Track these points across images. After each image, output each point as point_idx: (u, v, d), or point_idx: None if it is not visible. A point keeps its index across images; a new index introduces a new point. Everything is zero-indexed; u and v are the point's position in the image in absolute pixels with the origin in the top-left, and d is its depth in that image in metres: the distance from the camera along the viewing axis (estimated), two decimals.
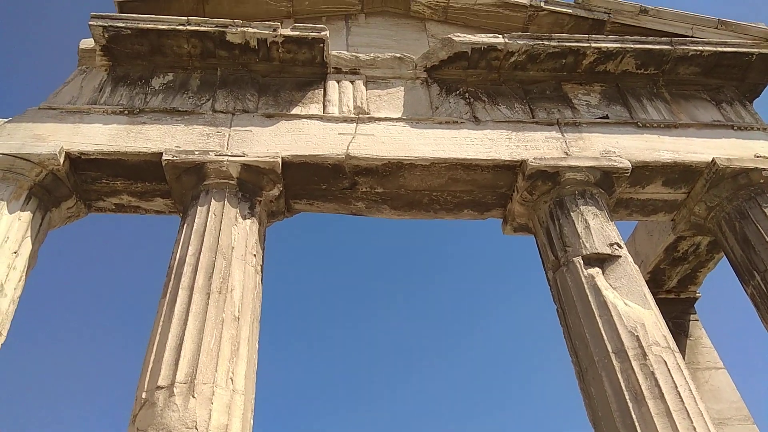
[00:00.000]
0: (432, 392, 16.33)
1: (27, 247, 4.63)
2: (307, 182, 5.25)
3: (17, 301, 4.52)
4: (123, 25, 5.46)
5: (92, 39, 5.60)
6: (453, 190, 5.42)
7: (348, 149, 5.11)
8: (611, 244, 4.68)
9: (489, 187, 5.42)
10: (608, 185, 5.20)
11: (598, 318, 4.23)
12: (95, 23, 5.42)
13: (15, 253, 4.48)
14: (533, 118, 5.69)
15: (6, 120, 5.07)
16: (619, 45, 5.95)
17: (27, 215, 4.66)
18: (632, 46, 5.96)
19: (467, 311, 17.54)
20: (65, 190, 4.98)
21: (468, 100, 5.78)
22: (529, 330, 17.48)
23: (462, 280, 17.72)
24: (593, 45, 5.92)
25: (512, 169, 5.22)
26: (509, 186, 5.37)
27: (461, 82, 5.94)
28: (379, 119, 5.43)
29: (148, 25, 5.48)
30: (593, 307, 4.30)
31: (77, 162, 4.92)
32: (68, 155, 4.84)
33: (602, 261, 4.61)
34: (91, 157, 4.90)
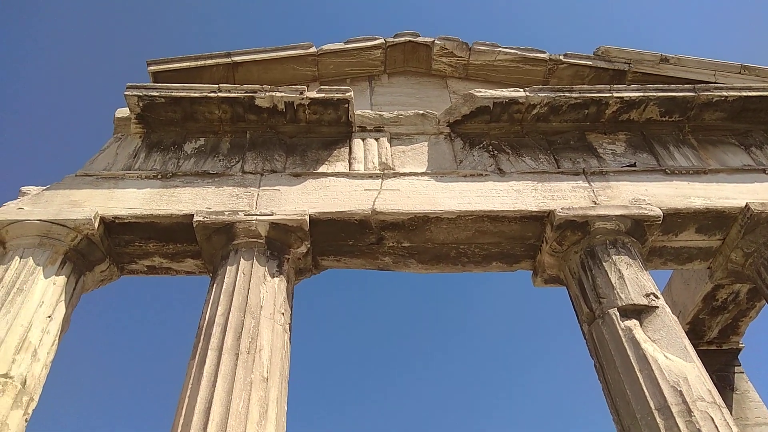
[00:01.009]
0: None
1: (60, 311, 4.71)
2: (334, 238, 5.28)
3: (49, 365, 4.56)
4: (157, 94, 5.73)
5: (127, 108, 5.88)
6: (480, 242, 5.38)
7: (374, 205, 5.15)
8: (647, 295, 4.54)
9: (517, 239, 5.37)
10: (640, 234, 5.10)
11: (638, 373, 4.06)
12: (130, 93, 5.70)
13: (49, 317, 4.56)
14: (558, 168, 5.69)
15: (44, 187, 5.27)
16: (641, 94, 5.97)
17: (62, 279, 4.77)
18: (655, 94, 5.98)
19: (500, 367, 17.05)
20: (99, 254, 5.10)
21: (492, 153, 5.82)
22: (567, 386, 16.83)
23: (492, 334, 17.32)
24: (615, 95, 5.96)
25: (540, 219, 5.18)
26: (538, 237, 5.31)
27: (484, 136, 6.00)
28: (404, 174, 5.49)
29: (180, 94, 5.74)
30: (632, 361, 4.13)
31: (111, 226, 5.06)
32: (103, 220, 4.99)
33: (639, 312, 4.46)
34: (125, 220, 5.04)
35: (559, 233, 5.08)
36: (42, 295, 4.54)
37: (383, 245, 5.35)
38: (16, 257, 4.67)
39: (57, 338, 4.67)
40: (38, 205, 5.04)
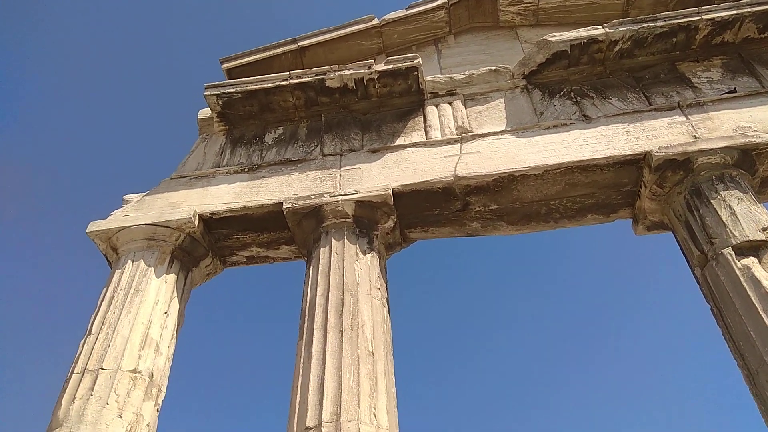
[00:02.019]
0: (573, 412, 15.39)
1: (175, 307, 5.04)
2: (420, 209, 5.26)
3: (171, 358, 4.90)
4: (233, 90, 5.91)
5: (208, 108, 6.11)
6: (572, 195, 5.15)
7: (456, 170, 5.06)
8: (764, 229, 4.17)
9: (612, 187, 5.09)
10: (749, 164, 4.66)
11: (762, 313, 3.75)
12: (209, 93, 5.91)
13: (165, 313, 4.90)
14: (650, 105, 5.30)
15: (144, 193, 5.62)
16: (734, 12, 5.41)
17: (172, 277, 5.10)
18: (750, 9, 5.39)
19: (607, 324, 16.47)
20: (202, 249, 5.40)
21: (574, 100, 5.52)
22: (682, 334, 15.98)
23: (593, 291, 16.72)
24: (705, 17, 5.44)
25: (635, 163, 4.87)
26: (635, 182, 5.00)
27: (564, 82, 5.69)
28: (483, 135, 5.33)
29: (255, 86, 5.88)
30: (754, 301, 3.82)
31: (209, 222, 5.32)
32: (201, 217, 5.25)
33: (756, 249, 4.10)
34: (221, 215, 5.28)
35: (658, 175, 4.76)
36: (156, 294, 4.88)
37: (470, 211, 5.26)
38: (129, 261, 5.04)
39: (175, 332, 5.01)
40: (141, 210, 5.39)
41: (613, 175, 4.98)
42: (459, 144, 5.31)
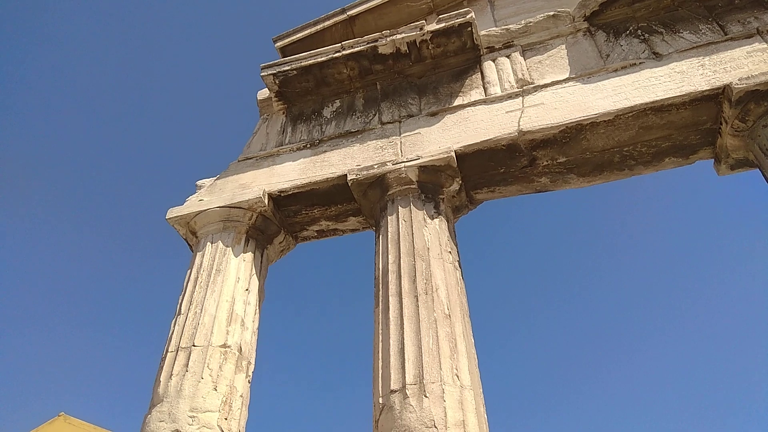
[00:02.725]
0: (655, 378, 14.91)
1: (255, 283, 5.24)
2: (485, 169, 5.15)
3: (257, 332, 5.12)
4: (288, 67, 5.95)
5: (266, 89, 6.20)
6: (647, 140, 4.88)
7: (519, 125, 4.90)
8: None
9: (689, 127, 4.78)
10: None
11: None
12: (266, 73, 5.99)
13: (246, 290, 5.10)
14: (726, 35, 4.90)
15: (215, 177, 5.82)
16: None
17: (249, 256, 5.28)
18: None
19: (692, 271, 15.73)
20: (274, 227, 5.55)
21: (642, 37, 5.18)
22: None
23: (671, 237, 15.97)
24: None
25: (714, 98, 4.54)
26: (714, 119, 4.68)
27: (629, 20, 5.35)
28: (546, 85, 5.13)
29: (309, 62, 5.90)
30: None
31: (278, 200, 5.45)
32: (270, 196, 5.39)
33: None
34: (289, 192, 5.39)
35: (739, 109, 4.42)
36: (236, 272, 5.08)
37: (537, 166, 5.10)
38: (208, 243, 5.27)
39: (257, 308, 5.22)
40: (214, 194, 5.59)
41: (690, 113, 4.68)
42: (520, 97, 5.13)
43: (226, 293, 4.88)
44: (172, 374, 4.36)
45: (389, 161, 5.12)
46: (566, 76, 5.14)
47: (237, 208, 5.34)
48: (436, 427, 3.49)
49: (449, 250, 4.71)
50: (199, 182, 5.81)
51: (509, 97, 5.19)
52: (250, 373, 4.81)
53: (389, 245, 4.69)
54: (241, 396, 4.53)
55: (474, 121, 5.17)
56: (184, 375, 4.32)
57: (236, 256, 5.17)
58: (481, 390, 4.02)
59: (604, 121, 4.73)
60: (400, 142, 5.32)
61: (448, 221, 5.01)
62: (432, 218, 4.81)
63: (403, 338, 4.00)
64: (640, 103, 4.64)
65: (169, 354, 4.54)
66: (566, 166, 5.10)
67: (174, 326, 4.74)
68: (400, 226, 4.74)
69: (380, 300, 4.45)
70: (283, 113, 6.24)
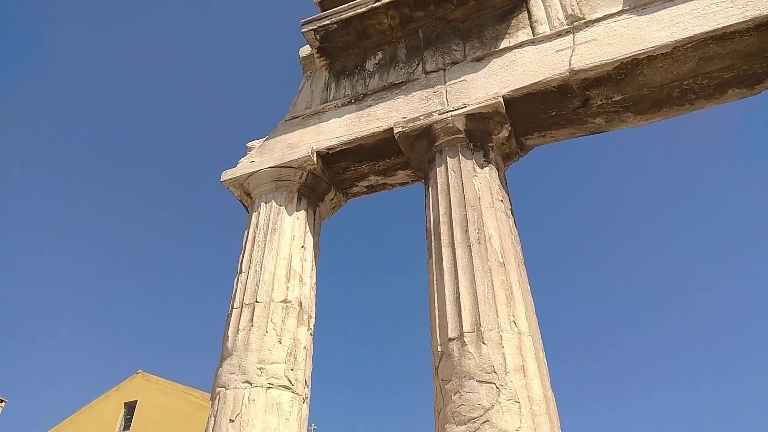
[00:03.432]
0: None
1: (309, 240, 5.37)
2: (535, 113, 5.01)
3: (315, 287, 5.28)
4: (328, 21, 5.88)
5: (308, 45, 6.16)
6: (708, 71, 4.60)
7: (570, 64, 4.70)
8: None
9: (755, 54, 4.47)
10: None
11: None
12: (306, 29, 5.94)
13: (302, 247, 5.23)
14: None
15: (264, 138, 5.90)
16: None
17: (302, 214, 5.40)
18: None
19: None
20: (324, 184, 5.62)
21: None
22: None
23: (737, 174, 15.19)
24: None
25: None
26: None
27: None
28: (598, 20, 4.87)
29: (348, 14, 5.80)
30: None
31: (326, 157, 5.50)
32: (318, 153, 5.44)
33: None
34: (337, 149, 5.42)
35: None
36: (291, 230, 5.21)
37: (590, 106, 4.92)
38: (262, 203, 5.40)
39: (313, 264, 5.36)
40: (264, 154, 5.69)
41: (755, 40, 4.36)
42: (571, 35, 4.91)
43: (283, 251, 5.03)
44: (238, 329, 4.58)
45: (435, 111, 5.04)
46: (619, 8, 4.86)
47: (287, 167, 5.43)
48: (495, 372, 3.55)
49: (501, 198, 4.65)
50: (249, 144, 5.92)
51: (558, 35, 4.97)
52: (312, 327, 5.00)
53: (439, 197, 4.68)
54: (305, 348, 4.72)
55: (522, 64, 5.00)
56: (249, 330, 4.53)
57: (290, 214, 5.29)
58: (540, 336, 4.04)
59: (662, 54, 4.47)
60: (446, 91, 5.22)
61: (498, 169, 4.93)
62: (481, 167, 4.75)
63: (458, 288, 4.04)
64: (700, 33, 4.36)
65: (234, 310, 4.75)
66: (622, 104, 4.89)
67: (237, 284, 4.95)
68: (450, 176, 4.71)
69: (433, 251, 4.48)
70: (326, 69, 6.20)
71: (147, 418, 16.21)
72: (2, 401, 19.73)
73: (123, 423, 16.65)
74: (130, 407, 16.84)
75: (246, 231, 5.36)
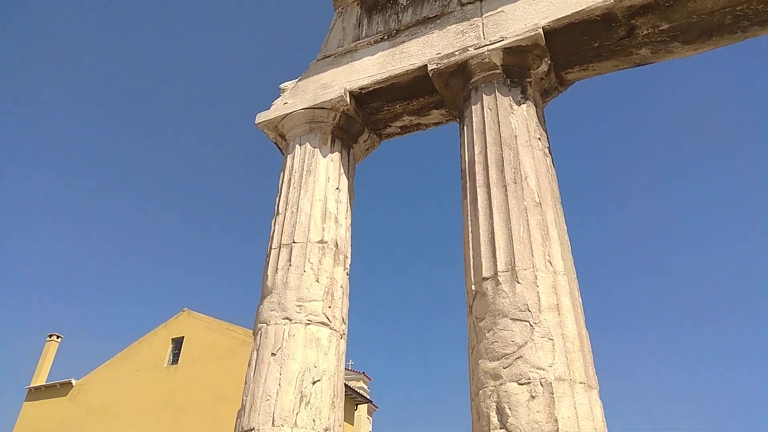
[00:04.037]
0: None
1: (344, 182, 5.38)
2: (576, 45, 4.78)
3: (350, 228, 5.33)
4: None
5: None
6: None
7: None
8: None
9: None
10: None
11: None
12: None
13: (337, 189, 5.25)
14: None
15: (297, 79, 5.84)
16: None
17: (336, 155, 5.39)
18: None
19: None
20: (358, 125, 5.57)
21: None
22: None
23: None
24: None
25: None
26: None
27: None
28: None
29: None
30: None
31: (359, 97, 5.42)
32: (351, 93, 5.36)
33: None
34: (370, 89, 5.33)
35: None
36: (326, 172, 5.23)
37: (636, 36, 4.66)
38: (296, 145, 5.41)
39: (348, 205, 5.39)
40: (297, 96, 5.64)
41: None
42: None
43: (318, 192, 5.06)
44: (277, 269, 4.70)
45: (471, 46, 4.86)
46: None
47: (320, 108, 5.38)
48: (529, 310, 3.56)
49: (538, 136, 4.53)
50: (282, 85, 5.86)
51: None
52: (348, 266, 5.09)
53: (474, 136, 4.58)
54: (341, 287, 4.83)
55: None
56: (288, 269, 4.65)
57: (324, 156, 5.29)
58: (575, 275, 4.02)
59: None
60: (482, 24, 5.01)
61: (536, 106, 4.78)
62: (519, 104, 4.61)
63: (492, 228, 4.01)
64: None
65: (272, 251, 4.87)
66: (669, 33, 4.62)
67: (274, 225, 5.04)
68: (485, 114, 4.59)
69: (468, 192, 4.43)
70: (358, 4, 6.01)
71: (193, 352, 17.07)
72: (58, 338, 21.04)
73: (171, 357, 17.59)
74: (177, 343, 17.73)
75: (281, 173, 5.40)
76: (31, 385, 19.83)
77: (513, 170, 4.23)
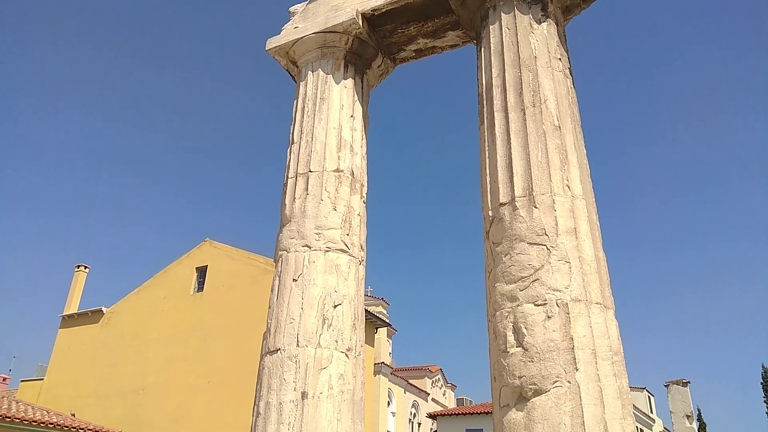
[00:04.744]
0: None
1: (358, 109, 5.30)
2: None
3: (365, 156, 5.31)
4: None
5: None
6: None
7: None
8: None
9: None
10: None
11: None
12: None
13: (351, 116, 5.19)
14: None
15: (307, 2, 5.63)
16: None
17: (350, 82, 5.28)
18: None
19: None
20: (371, 49, 5.42)
21: None
22: None
23: None
24: None
25: None
26: None
27: None
28: None
29: None
30: None
31: (372, 19, 5.23)
32: (363, 15, 5.17)
33: None
34: (383, 10, 5.13)
35: None
36: (340, 99, 5.14)
37: None
38: (309, 72, 5.30)
39: (363, 133, 5.34)
40: (307, 19, 5.46)
41: None
42: None
43: (333, 121, 5.01)
44: (295, 198, 4.74)
45: None
46: None
47: (332, 32, 5.22)
48: (546, 234, 3.59)
49: (559, 57, 4.38)
50: (292, 8, 5.67)
51: None
52: (364, 195, 5.11)
53: (492, 58, 4.44)
54: (359, 215, 4.88)
55: None
56: (305, 198, 4.69)
57: (337, 83, 5.19)
58: (594, 198, 4.00)
59: None
60: None
61: (557, 24, 4.58)
62: (539, 23, 4.43)
63: (510, 153, 3.97)
64: None
65: (289, 180, 4.89)
66: None
67: (290, 154, 5.04)
68: (504, 34, 4.43)
69: (485, 117, 4.36)
70: None
71: (217, 280, 17.60)
72: (86, 268, 21.77)
73: (197, 285, 18.18)
74: (201, 271, 18.27)
75: (295, 101, 5.33)
76: (64, 313, 20.75)
77: (532, 93, 4.13)
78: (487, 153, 4.21)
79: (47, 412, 11.77)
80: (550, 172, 3.78)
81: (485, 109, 4.39)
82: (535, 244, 3.59)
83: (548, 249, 3.54)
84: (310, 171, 4.78)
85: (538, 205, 3.69)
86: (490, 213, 3.97)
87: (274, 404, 3.97)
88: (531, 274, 3.53)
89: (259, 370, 4.29)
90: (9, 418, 9.90)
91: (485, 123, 4.35)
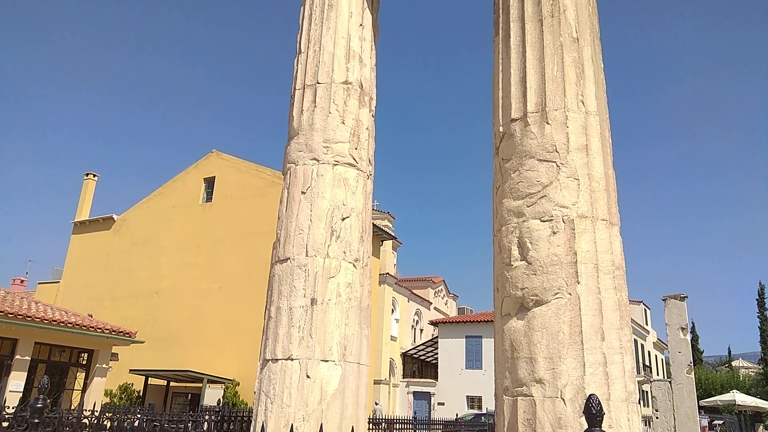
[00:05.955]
0: None
1: (368, 17, 5.10)
2: None
3: (375, 68, 5.17)
4: None
5: None
6: None
7: None
8: None
9: None
10: None
11: None
12: None
13: (360, 25, 5.00)
14: None
15: None
16: None
17: None
18: None
19: None
20: None
21: None
22: None
23: None
24: None
25: None
26: None
27: None
28: None
29: None
30: None
31: None
32: None
33: None
34: None
35: None
36: (348, 7, 4.93)
37: None
38: None
39: (372, 44, 5.17)
40: None
41: None
42: None
43: (341, 29, 4.84)
44: (302, 110, 4.68)
45: None
46: None
47: None
48: (557, 151, 3.57)
49: None
50: None
51: None
52: (373, 108, 5.04)
53: None
54: (367, 129, 4.83)
55: None
56: (313, 110, 4.63)
57: None
58: (608, 115, 3.94)
59: None
60: None
61: None
62: None
63: (525, 66, 3.86)
64: None
65: (296, 91, 4.80)
66: None
67: (297, 65, 4.91)
68: None
69: (500, 27, 4.20)
70: None
71: (225, 191, 17.76)
72: (95, 176, 21.91)
73: (205, 196, 18.37)
74: (209, 182, 18.38)
75: (302, 7, 5.12)
76: (75, 220, 21.16)
77: (551, 2, 3.95)
78: (500, 66, 4.09)
79: (66, 312, 12.31)
80: (565, 87, 3.70)
81: (501, 18, 4.22)
82: (544, 160, 3.58)
83: (558, 166, 3.54)
84: (318, 83, 4.68)
85: (550, 121, 3.64)
86: (501, 129, 3.93)
87: (284, 309, 4.15)
88: (539, 191, 3.54)
89: (269, 278, 4.44)
90: (30, 317, 10.37)
91: (500, 34, 4.20)
